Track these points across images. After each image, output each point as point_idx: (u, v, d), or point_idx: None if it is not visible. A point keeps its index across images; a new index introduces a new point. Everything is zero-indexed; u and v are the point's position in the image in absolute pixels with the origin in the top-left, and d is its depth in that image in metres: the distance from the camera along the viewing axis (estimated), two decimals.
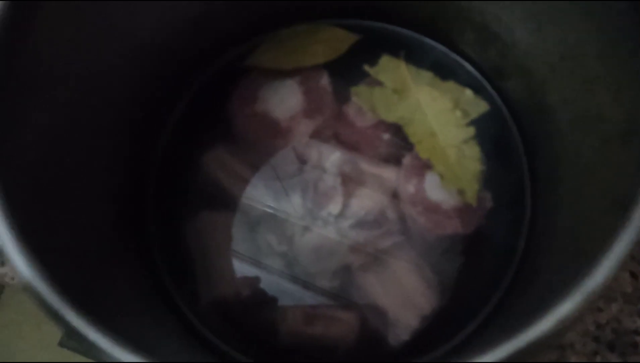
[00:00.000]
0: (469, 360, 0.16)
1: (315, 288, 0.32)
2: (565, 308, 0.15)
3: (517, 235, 0.32)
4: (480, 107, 0.35)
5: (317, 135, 0.35)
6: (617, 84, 0.23)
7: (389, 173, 0.34)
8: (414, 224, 0.33)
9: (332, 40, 0.37)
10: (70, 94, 0.24)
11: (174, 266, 0.33)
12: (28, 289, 0.18)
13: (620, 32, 0.22)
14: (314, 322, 0.31)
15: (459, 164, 0.33)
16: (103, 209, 0.28)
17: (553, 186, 0.29)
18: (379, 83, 0.35)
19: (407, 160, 0.34)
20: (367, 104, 0.35)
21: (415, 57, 0.36)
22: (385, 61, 0.36)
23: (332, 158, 0.34)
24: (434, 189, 0.33)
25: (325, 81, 0.36)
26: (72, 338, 0.18)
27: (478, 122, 0.34)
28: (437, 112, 0.34)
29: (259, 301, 0.32)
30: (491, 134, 0.34)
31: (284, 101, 0.35)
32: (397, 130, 0.34)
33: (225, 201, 0.34)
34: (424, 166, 0.33)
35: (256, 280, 0.32)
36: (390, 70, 0.36)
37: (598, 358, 0.31)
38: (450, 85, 0.35)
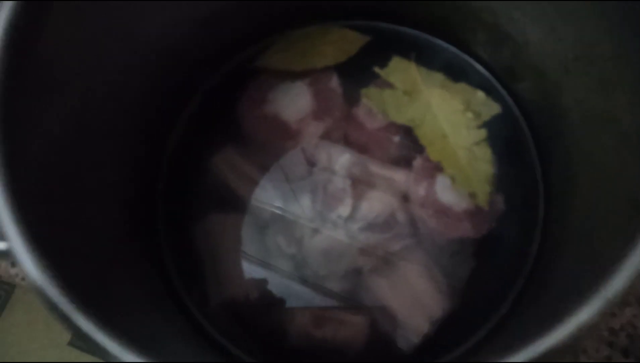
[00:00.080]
0: None
1: (325, 290, 0.32)
2: (583, 314, 0.15)
3: (530, 238, 0.31)
4: (492, 108, 0.34)
5: (326, 137, 0.34)
6: (633, 85, 0.22)
7: (399, 176, 0.33)
8: (425, 227, 0.32)
9: (342, 42, 0.36)
10: (80, 96, 0.24)
11: (183, 268, 0.33)
12: (37, 292, 0.18)
13: (636, 32, 0.22)
14: (323, 324, 0.31)
15: (471, 167, 0.33)
16: (113, 212, 0.28)
17: (567, 188, 0.29)
18: (389, 85, 0.35)
19: (417, 162, 0.33)
20: (377, 106, 0.35)
21: (426, 58, 0.35)
22: (396, 62, 0.36)
23: (342, 160, 0.34)
24: (445, 191, 0.33)
25: (335, 82, 0.36)
26: (81, 340, 0.18)
27: (490, 124, 0.34)
28: (448, 114, 0.34)
29: (268, 303, 0.32)
30: (503, 136, 0.34)
31: (294, 102, 0.35)
32: (407, 132, 0.34)
33: (234, 203, 0.33)
34: (434, 169, 0.33)
35: (265, 281, 0.32)
36: (401, 71, 0.35)
37: (612, 362, 0.30)
38: (462, 86, 0.35)
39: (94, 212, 0.25)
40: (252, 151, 0.35)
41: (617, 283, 0.15)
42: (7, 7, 0.20)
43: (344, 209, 0.33)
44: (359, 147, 0.34)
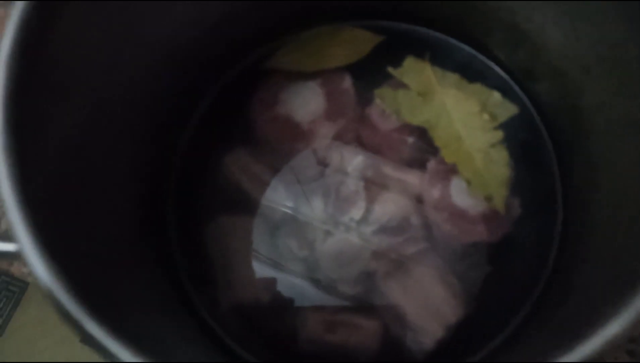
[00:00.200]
0: None
1: (337, 294, 0.31)
2: (613, 327, 0.14)
3: (548, 244, 0.31)
4: (508, 110, 0.34)
5: (339, 138, 0.34)
6: None
7: (413, 178, 0.33)
8: (439, 230, 0.32)
9: (355, 42, 0.36)
10: (91, 98, 0.24)
11: (194, 271, 0.32)
12: (47, 295, 0.18)
13: None
14: (335, 329, 0.31)
15: (486, 170, 0.32)
16: (123, 214, 0.28)
17: (588, 193, 0.28)
18: (403, 85, 0.35)
19: (432, 165, 0.33)
20: (390, 107, 0.34)
21: (441, 58, 0.35)
22: (410, 62, 0.35)
23: (355, 161, 0.33)
24: (460, 195, 0.32)
25: (347, 83, 0.35)
26: (90, 344, 0.18)
27: (506, 126, 0.33)
28: (464, 116, 0.33)
29: (279, 307, 0.32)
30: (520, 138, 0.33)
31: (306, 103, 0.35)
32: (421, 133, 0.33)
33: (245, 205, 0.33)
34: (449, 171, 0.32)
35: (277, 285, 0.32)
36: (415, 72, 0.35)
37: None
38: (478, 87, 0.34)
39: (104, 215, 0.25)
40: (263, 152, 0.34)
41: None
42: (19, 7, 0.20)
43: (357, 212, 0.32)
44: (372, 148, 0.34)
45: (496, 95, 0.34)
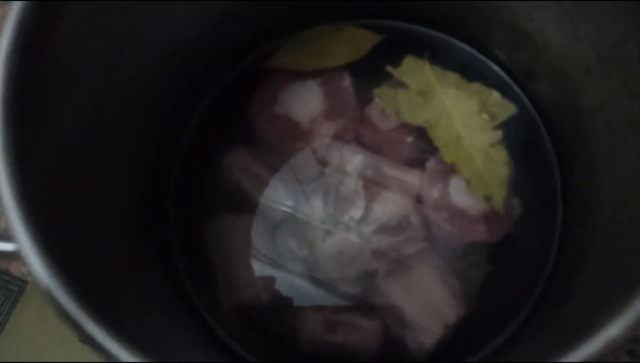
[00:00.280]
0: None
1: (337, 294, 0.31)
2: (613, 329, 0.14)
3: (549, 244, 0.31)
4: (508, 109, 0.34)
5: (338, 138, 0.34)
6: None
7: (412, 177, 0.33)
8: (439, 230, 0.32)
9: (355, 41, 0.36)
10: (91, 98, 0.24)
11: (194, 271, 0.32)
12: (46, 296, 0.18)
13: None
14: (335, 329, 0.31)
15: (486, 169, 0.32)
16: (124, 214, 0.28)
17: (588, 193, 0.28)
18: (402, 85, 0.35)
19: (431, 164, 0.33)
20: (390, 106, 0.34)
21: (441, 58, 0.35)
22: (409, 61, 0.35)
23: (354, 161, 0.33)
24: (460, 194, 0.32)
25: (347, 82, 0.35)
26: (89, 344, 0.18)
27: (506, 126, 0.33)
28: (463, 115, 0.33)
29: (280, 307, 0.31)
30: (520, 138, 0.33)
31: (305, 103, 0.35)
32: (421, 133, 0.33)
33: (245, 204, 0.33)
34: (449, 171, 0.32)
35: (276, 284, 0.32)
36: (415, 71, 0.35)
37: None
38: (477, 87, 0.34)
39: (104, 215, 0.25)
40: (263, 151, 0.34)
41: None
42: (18, 6, 0.19)
43: (356, 212, 0.32)
44: (372, 148, 0.34)
45: (496, 95, 0.34)
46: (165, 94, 0.31)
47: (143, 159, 0.30)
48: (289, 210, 0.33)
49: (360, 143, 0.34)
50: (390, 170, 0.33)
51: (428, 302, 0.30)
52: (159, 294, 0.28)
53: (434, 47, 0.35)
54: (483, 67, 0.35)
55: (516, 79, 0.34)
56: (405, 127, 0.34)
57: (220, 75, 0.36)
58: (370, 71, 0.35)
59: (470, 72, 0.34)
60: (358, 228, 0.32)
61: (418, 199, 0.32)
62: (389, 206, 0.32)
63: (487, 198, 0.32)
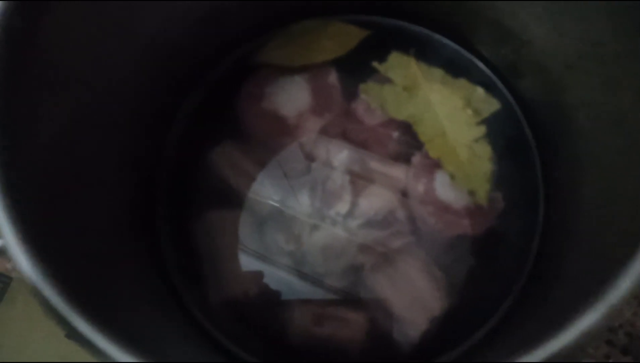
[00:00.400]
0: None
1: (324, 287, 0.32)
2: (586, 320, 0.15)
3: (530, 237, 0.31)
4: (491, 105, 0.34)
5: (325, 133, 0.34)
6: (638, 85, 0.22)
7: (398, 172, 0.33)
8: (424, 224, 0.32)
9: (341, 36, 0.36)
10: (80, 93, 0.24)
11: (183, 265, 0.32)
12: (33, 292, 0.18)
13: None
14: (323, 322, 0.31)
15: (470, 164, 0.33)
16: (111, 209, 0.28)
17: (570, 188, 0.29)
18: (388, 80, 0.35)
19: (416, 159, 0.33)
20: (376, 102, 0.34)
21: (426, 54, 0.35)
22: (395, 57, 0.35)
23: (341, 156, 0.34)
24: (444, 189, 0.32)
25: (333, 77, 0.35)
26: (77, 341, 0.18)
27: (490, 121, 0.34)
28: (448, 111, 0.34)
29: (267, 301, 0.32)
30: (503, 133, 0.34)
31: (292, 98, 0.35)
32: (406, 128, 0.34)
33: (233, 199, 0.33)
34: (434, 166, 0.33)
35: (264, 279, 0.32)
36: (400, 67, 0.35)
37: (611, 361, 0.30)
38: (462, 83, 0.35)
39: (92, 210, 0.25)
40: (251, 146, 0.34)
41: (621, 288, 0.15)
42: (1, 6, 0.19)
43: (343, 206, 0.33)
44: (358, 143, 0.34)
45: (480, 91, 0.34)
46: (153, 89, 0.31)
47: (131, 154, 0.30)
48: (276, 205, 0.33)
49: (347, 138, 0.34)
50: (376, 165, 0.33)
51: (414, 295, 0.31)
52: (147, 289, 0.28)
53: (420, 43, 0.36)
54: (468, 63, 0.35)
55: (500, 75, 0.35)
56: (391, 123, 0.34)
57: (208, 70, 0.35)
58: (357, 67, 0.35)
59: (455, 69, 0.35)
60: (345, 222, 0.32)
61: (404, 194, 0.33)
62: (375, 200, 0.33)
63: (471, 193, 0.32)
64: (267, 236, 0.33)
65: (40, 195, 0.21)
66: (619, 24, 0.23)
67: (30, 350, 0.35)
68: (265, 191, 0.33)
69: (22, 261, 0.18)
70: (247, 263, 0.32)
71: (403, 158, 0.33)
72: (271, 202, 0.33)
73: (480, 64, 0.35)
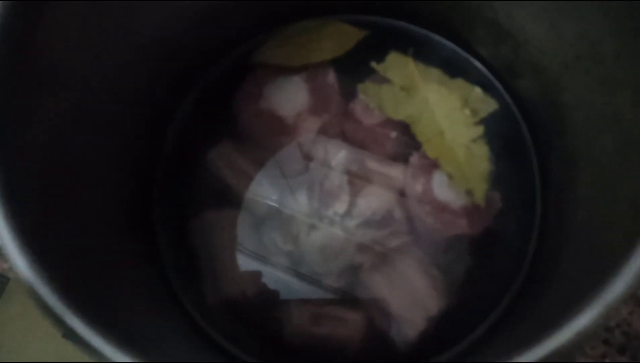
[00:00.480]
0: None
1: (322, 287, 0.32)
2: (582, 320, 0.15)
3: (528, 237, 0.31)
4: (489, 105, 0.34)
5: (323, 132, 0.34)
6: (636, 85, 0.22)
7: (396, 172, 0.33)
8: (422, 224, 0.32)
9: (339, 36, 0.36)
10: (76, 93, 0.24)
11: (180, 265, 0.32)
12: (29, 292, 0.18)
13: (638, 32, 0.22)
14: (320, 322, 0.31)
15: (468, 164, 0.33)
16: (109, 209, 0.27)
17: (567, 188, 0.29)
18: (386, 80, 0.35)
19: (414, 159, 0.33)
20: (374, 102, 0.34)
21: (424, 54, 0.35)
22: (393, 57, 0.35)
23: (339, 156, 0.34)
24: (442, 188, 0.32)
25: (331, 77, 0.35)
26: (74, 341, 0.18)
27: (487, 121, 0.34)
28: (446, 111, 0.34)
29: (265, 301, 0.32)
30: (501, 133, 0.34)
31: (290, 98, 0.35)
32: (404, 128, 0.34)
33: (230, 199, 0.33)
34: (431, 165, 0.33)
35: (262, 278, 0.32)
36: (398, 67, 0.35)
37: (607, 360, 0.30)
38: (459, 83, 0.35)
39: (88, 209, 0.25)
40: (248, 146, 0.34)
41: (618, 288, 0.15)
42: (1, 6, 0.19)
43: (341, 206, 0.33)
44: (356, 143, 0.34)
45: (477, 91, 0.34)
46: (151, 89, 0.31)
47: (128, 153, 0.30)
48: (274, 204, 0.33)
49: (345, 137, 0.34)
50: (374, 165, 0.33)
51: (411, 295, 0.31)
52: (144, 289, 0.28)
53: (418, 43, 0.36)
54: (465, 63, 0.35)
55: (498, 75, 0.35)
56: (389, 123, 0.34)
57: (206, 70, 0.35)
58: (355, 67, 0.35)
59: (452, 69, 0.35)
60: (342, 222, 0.32)
61: (401, 194, 0.33)
62: (373, 200, 0.33)
63: (469, 192, 0.32)
64: (265, 236, 0.33)
65: (37, 195, 0.21)
66: (617, 24, 0.23)
67: (29, 350, 0.35)
68: (263, 191, 0.33)
69: (19, 261, 0.18)
70: (245, 262, 0.32)
71: (401, 157, 0.33)
72: (269, 202, 0.33)
73: (478, 64, 0.35)
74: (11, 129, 0.20)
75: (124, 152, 0.30)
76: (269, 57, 0.36)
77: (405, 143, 0.34)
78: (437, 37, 0.36)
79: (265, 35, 0.36)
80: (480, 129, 0.33)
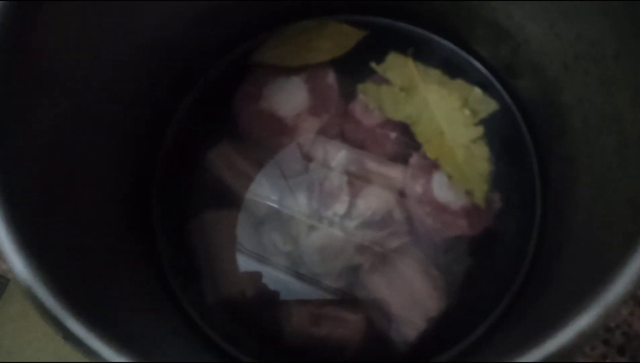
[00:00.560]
0: None
1: (321, 288, 0.32)
2: (583, 321, 0.15)
3: (527, 237, 0.31)
4: (489, 106, 0.34)
5: (323, 133, 0.34)
6: (635, 84, 0.22)
7: (396, 173, 0.33)
8: (421, 224, 0.32)
9: (339, 36, 0.36)
10: (75, 93, 0.24)
11: (179, 266, 0.32)
12: (27, 293, 0.18)
13: (638, 32, 0.22)
14: (319, 322, 0.31)
15: (468, 164, 0.33)
16: (107, 209, 0.27)
17: (566, 188, 0.29)
18: (386, 81, 0.35)
19: (414, 159, 0.33)
20: (374, 102, 0.34)
21: (424, 54, 0.35)
22: (393, 58, 0.35)
23: (338, 156, 0.34)
24: (442, 189, 0.32)
25: (331, 78, 0.35)
26: (72, 342, 0.18)
27: (487, 122, 0.34)
28: (446, 111, 0.34)
29: (264, 301, 0.32)
30: (501, 134, 0.34)
31: (290, 98, 0.35)
32: (404, 129, 0.34)
33: (230, 200, 0.33)
34: (431, 166, 0.33)
35: (261, 279, 0.32)
36: (398, 67, 0.35)
37: (607, 361, 0.30)
38: (459, 83, 0.35)
39: (88, 210, 0.25)
40: (248, 147, 0.34)
41: (618, 289, 0.15)
42: (0, 6, 0.19)
43: (340, 207, 0.32)
44: (356, 143, 0.34)
45: (477, 91, 0.34)
46: (149, 89, 0.31)
47: (127, 153, 0.30)
48: (273, 205, 0.33)
49: (345, 138, 0.34)
50: (373, 165, 0.33)
51: (411, 295, 0.31)
52: (143, 289, 0.28)
53: (417, 43, 0.36)
54: (465, 63, 0.35)
55: (497, 75, 0.35)
56: (389, 123, 0.34)
57: (205, 70, 0.35)
58: (354, 67, 0.35)
59: (452, 69, 0.35)
60: (342, 222, 0.32)
61: (401, 194, 0.33)
62: (373, 201, 0.33)
63: (469, 193, 0.32)
64: (265, 237, 0.32)
65: (36, 195, 0.21)
66: (616, 24, 0.23)
67: (28, 350, 0.35)
68: (262, 192, 0.33)
69: (16, 262, 0.18)
70: (245, 263, 0.32)
71: (401, 158, 0.33)
72: (269, 202, 0.33)
73: (478, 65, 0.35)
74: (11, 129, 0.20)
75: (123, 152, 0.30)
76: (269, 58, 0.36)
77: (405, 143, 0.34)
78: (436, 38, 0.36)
79: (265, 36, 0.36)
80: (480, 130, 0.33)
